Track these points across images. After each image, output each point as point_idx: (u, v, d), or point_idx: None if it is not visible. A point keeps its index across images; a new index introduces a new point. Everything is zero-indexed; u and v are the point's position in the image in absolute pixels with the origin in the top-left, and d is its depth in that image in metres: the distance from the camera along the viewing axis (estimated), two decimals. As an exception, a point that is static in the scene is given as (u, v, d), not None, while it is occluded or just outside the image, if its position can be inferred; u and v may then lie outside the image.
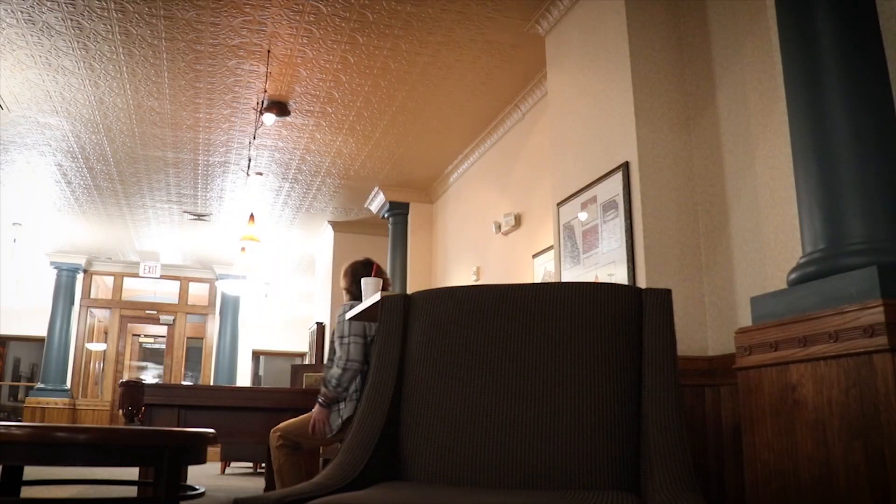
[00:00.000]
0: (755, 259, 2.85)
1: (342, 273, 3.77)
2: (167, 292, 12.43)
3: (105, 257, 11.55)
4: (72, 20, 4.53)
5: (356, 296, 3.49)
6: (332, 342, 3.54)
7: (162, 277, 11.78)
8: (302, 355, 12.59)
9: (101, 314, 12.61)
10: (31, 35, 4.71)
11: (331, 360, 3.45)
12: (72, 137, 6.50)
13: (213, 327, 12.29)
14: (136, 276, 11.77)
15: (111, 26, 4.59)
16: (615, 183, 3.32)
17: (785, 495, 1.89)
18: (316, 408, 3.30)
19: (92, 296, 12.15)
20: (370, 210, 8.14)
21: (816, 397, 1.83)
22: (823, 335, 1.82)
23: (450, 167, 6.98)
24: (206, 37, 4.70)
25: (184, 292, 12.44)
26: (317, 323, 9.08)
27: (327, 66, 5.06)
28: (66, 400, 11.11)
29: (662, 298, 1.74)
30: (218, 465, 8.37)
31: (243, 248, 6.34)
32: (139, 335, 14.08)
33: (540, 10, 4.22)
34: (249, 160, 6.60)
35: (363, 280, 3.23)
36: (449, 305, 1.82)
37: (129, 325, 12.69)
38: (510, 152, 5.80)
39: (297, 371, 6.55)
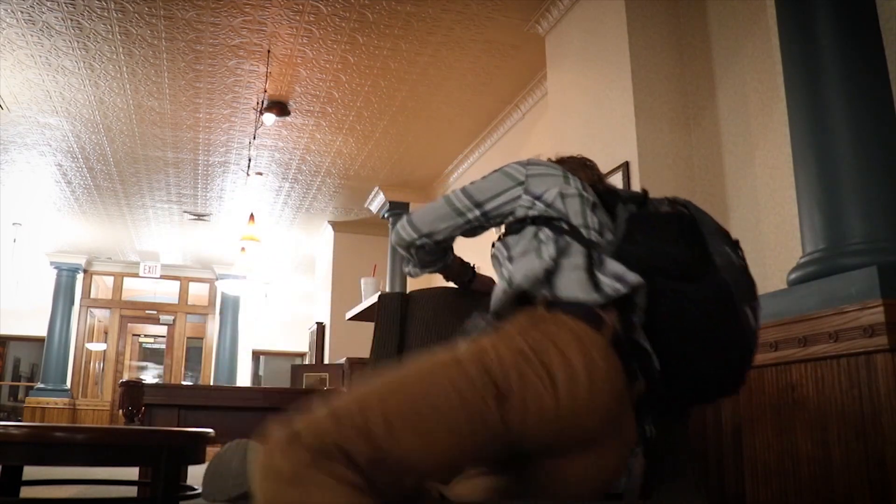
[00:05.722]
0: (755, 259, 2.84)
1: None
2: (167, 292, 12.42)
3: (105, 257, 11.55)
4: (72, 20, 4.53)
5: None
6: None
7: (162, 277, 11.77)
8: (302, 355, 12.58)
9: (101, 314, 12.61)
10: (31, 35, 4.71)
11: None
12: (72, 137, 6.50)
13: (213, 327, 12.29)
14: (136, 276, 11.76)
15: (111, 26, 4.59)
16: (615, 182, 3.31)
17: (785, 495, 1.88)
18: None
19: (92, 296, 12.15)
20: (370, 210, 8.14)
21: (816, 397, 1.82)
22: (823, 335, 1.81)
23: (450, 167, 6.98)
24: (206, 37, 4.69)
25: (184, 292, 12.44)
26: (317, 323, 9.06)
27: (327, 66, 5.06)
28: (67, 400, 11.10)
29: (662, 298, 1.73)
30: (218, 466, 8.35)
31: (243, 248, 6.34)
32: (139, 335, 14.09)
33: (540, 10, 4.21)
34: (249, 160, 6.59)
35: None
36: (448, 304, 1.82)
37: (129, 325, 12.69)
38: (510, 152, 5.79)
39: (297, 371, 6.53)
